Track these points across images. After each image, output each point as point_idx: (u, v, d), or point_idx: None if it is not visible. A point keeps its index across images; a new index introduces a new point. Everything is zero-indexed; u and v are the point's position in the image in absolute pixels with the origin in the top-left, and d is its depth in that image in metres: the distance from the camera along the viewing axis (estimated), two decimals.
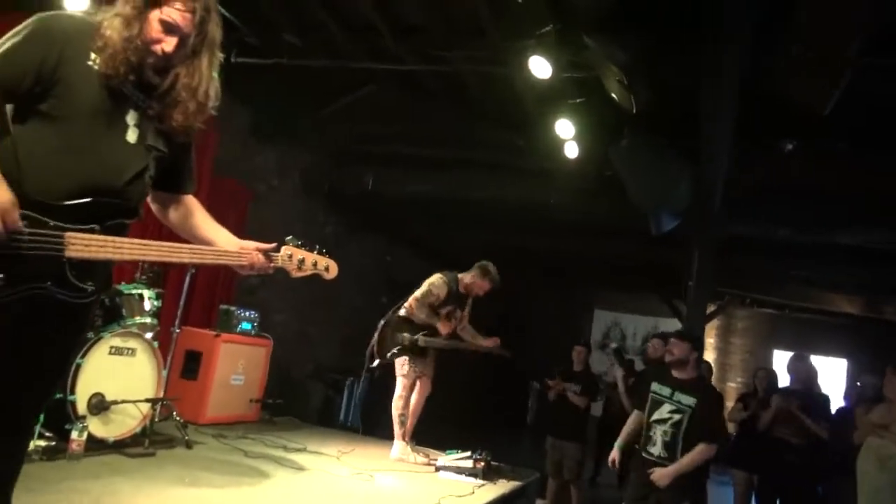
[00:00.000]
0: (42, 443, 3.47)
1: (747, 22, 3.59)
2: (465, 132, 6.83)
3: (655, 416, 3.94)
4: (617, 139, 5.31)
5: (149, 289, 4.33)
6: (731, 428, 6.12)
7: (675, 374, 3.97)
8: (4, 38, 1.76)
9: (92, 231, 1.75)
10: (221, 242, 2.03)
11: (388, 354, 5.19)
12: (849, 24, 3.48)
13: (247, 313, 5.81)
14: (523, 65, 4.79)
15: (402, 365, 5.17)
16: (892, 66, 4.13)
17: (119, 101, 1.85)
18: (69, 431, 3.54)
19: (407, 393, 5.19)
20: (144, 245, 1.90)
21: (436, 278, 5.19)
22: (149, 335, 4.17)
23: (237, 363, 5.53)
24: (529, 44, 4.66)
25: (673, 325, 11.49)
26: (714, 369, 13.66)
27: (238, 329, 5.68)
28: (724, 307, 12.90)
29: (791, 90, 4.16)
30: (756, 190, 6.31)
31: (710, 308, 12.51)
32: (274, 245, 2.08)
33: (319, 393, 8.07)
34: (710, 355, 13.95)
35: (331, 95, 7.11)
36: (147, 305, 4.26)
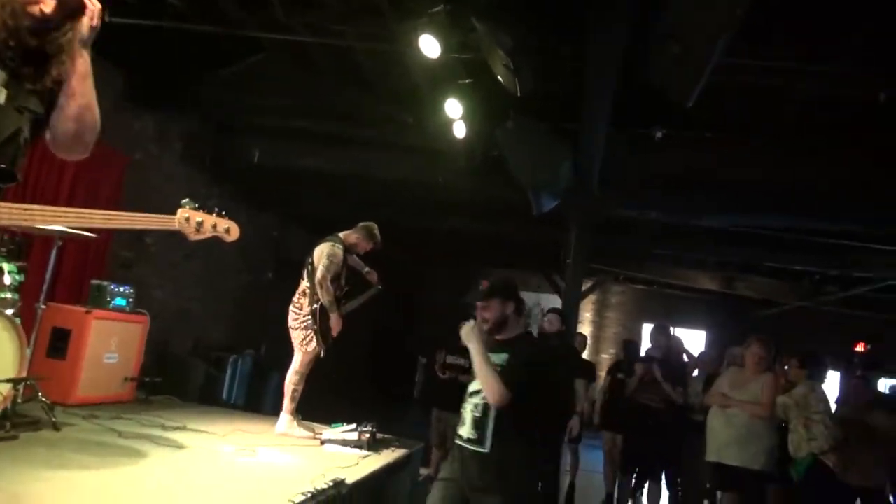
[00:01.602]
0: None
1: (625, 12, 3.82)
2: (357, 108, 6.79)
3: (469, 390, 3.14)
4: (503, 121, 5.49)
5: (8, 262, 4.03)
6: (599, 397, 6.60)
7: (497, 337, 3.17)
8: None
9: None
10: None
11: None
12: (711, 25, 3.79)
13: (121, 289, 5.53)
14: (414, 43, 4.82)
15: (306, 340, 5.10)
16: (752, 63, 4.54)
17: None
18: None
19: (305, 369, 5.16)
20: (21, 209, 1.80)
21: (329, 249, 5.16)
22: (9, 311, 3.88)
23: (110, 341, 5.27)
24: (421, 22, 4.69)
25: (554, 300, 12.10)
26: (589, 342, 14.58)
27: (111, 305, 5.40)
28: (600, 284, 13.73)
29: (661, 81, 4.47)
30: (630, 174, 6.74)
31: (587, 284, 13.30)
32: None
33: (201, 371, 7.84)
34: (586, 329, 14.81)
35: (216, 62, 6.83)
36: (7, 280, 3.96)
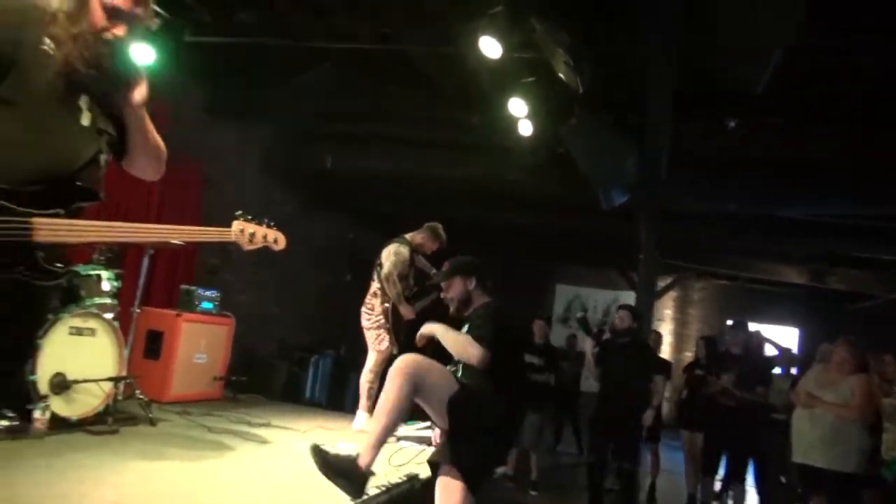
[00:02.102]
0: (5, 423, 3.53)
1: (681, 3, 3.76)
2: (424, 111, 6.93)
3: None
4: (567, 117, 5.47)
5: (107, 269, 4.37)
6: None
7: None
8: None
9: (57, 215, 1.82)
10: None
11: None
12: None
13: (208, 293, 5.87)
14: (475, 45, 4.89)
15: (379, 339, 5.29)
16: (820, 46, 4.35)
17: (73, 86, 1.88)
18: (31, 411, 3.60)
19: (379, 368, 5.33)
20: (108, 227, 1.97)
21: (395, 248, 5.32)
22: (108, 315, 4.22)
23: (199, 342, 5.61)
24: (481, 24, 4.76)
25: (631, 297, 11.86)
26: (671, 339, 14.18)
27: (199, 308, 5.74)
28: (680, 280, 13.34)
29: (727, 70, 4.36)
30: (702, 165, 6.57)
31: (667, 280, 12.96)
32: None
33: (284, 371, 8.18)
34: (667, 326, 14.43)
35: (287, 73, 7.12)
36: (106, 286, 4.30)
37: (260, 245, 2.20)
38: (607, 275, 13.74)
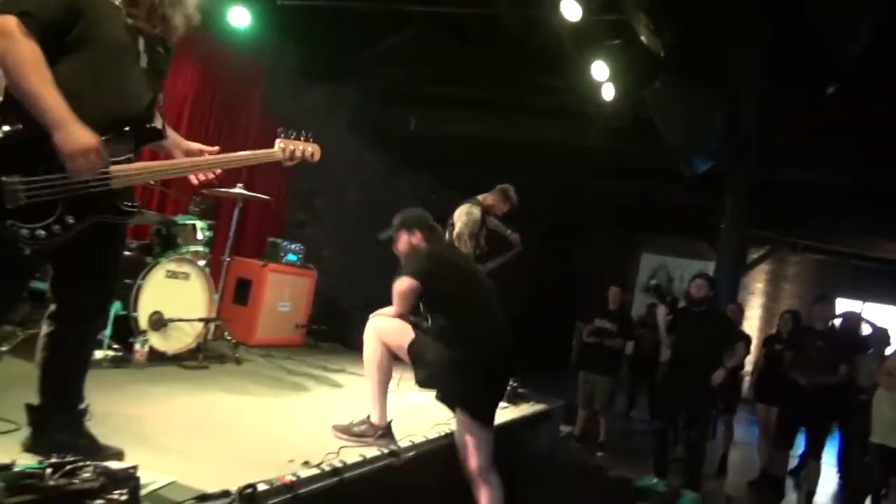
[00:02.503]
0: (111, 353, 3.97)
1: None
2: (506, 74, 6.93)
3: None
4: (650, 80, 5.35)
5: (201, 220, 4.73)
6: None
7: None
8: None
9: (129, 161, 2.06)
10: (180, 152, 2.33)
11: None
12: None
13: (292, 245, 6.22)
14: (556, 6, 4.85)
15: None
16: None
17: (132, 31, 2.08)
18: (133, 344, 4.03)
19: None
20: (170, 164, 2.26)
21: (466, 208, 5.42)
22: (201, 262, 4.59)
23: (283, 291, 5.98)
24: None
25: None
26: (761, 314, 13.63)
27: (284, 260, 6.10)
28: (773, 253, 12.74)
29: (824, 30, 4.13)
30: (801, 132, 6.24)
31: (758, 252, 12.42)
32: (216, 148, 2.42)
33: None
34: (756, 300, 13.88)
35: (375, 36, 7.29)
36: (199, 235, 4.66)
37: (298, 160, 2.40)
38: (695, 245, 13.29)
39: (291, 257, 6.17)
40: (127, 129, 2.05)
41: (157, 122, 2.22)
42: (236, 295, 5.74)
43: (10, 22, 1.78)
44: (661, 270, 14.19)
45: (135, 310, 4.06)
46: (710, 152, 5.81)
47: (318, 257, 7.63)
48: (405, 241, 3.39)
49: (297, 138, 2.42)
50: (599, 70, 5.77)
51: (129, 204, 2.11)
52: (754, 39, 4.42)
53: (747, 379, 8.61)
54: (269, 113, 6.90)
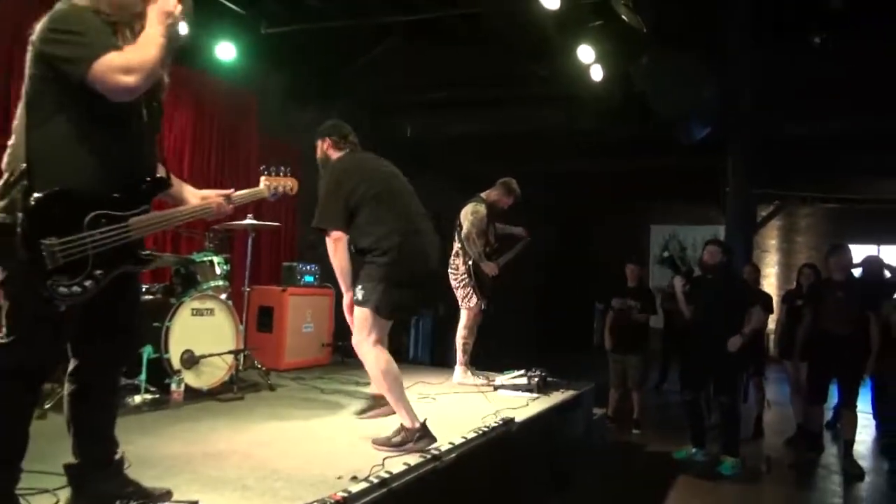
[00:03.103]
0: (148, 396, 4.07)
1: None
2: (492, 70, 7.00)
3: None
4: (637, 56, 5.39)
5: (217, 255, 4.83)
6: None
7: None
8: (62, 36, 1.97)
9: (144, 212, 2.16)
10: (189, 197, 2.42)
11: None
12: None
13: (307, 267, 6.31)
14: None
15: (468, 297, 5.54)
16: None
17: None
18: (169, 385, 4.13)
19: (471, 324, 5.59)
20: (176, 212, 2.39)
21: (472, 208, 5.49)
22: (223, 296, 4.69)
23: (305, 313, 6.07)
24: None
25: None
26: (777, 270, 13.60)
27: (302, 282, 6.20)
28: (783, 208, 12.71)
29: None
30: (789, 87, 6.25)
31: (768, 210, 12.40)
32: (231, 190, 2.52)
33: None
34: (772, 257, 13.87)
35: (359, 50, 7.38)
36: (218, 270, 4.76)
37: (281, 194, 2.59)
38: (704, 210, 13.30)
39: (308, 279, 6.26)
40: (142, 185, 2.16)
41: (162, 172, 2.31)
42: (260, 323, 5.84)
43: (109, 58, 1.95)
44: (672, 240, 14.20)
45: (166, 351, 4.16)
46: (706, 118, 5.85)
47: (333, 274, 7.71)
48: (319, 149, 3.73)
49: (278, 174, 2.54)
50: (585, 53, 5.82)
51: (146, 252, 2.24)
52: (739, 4, 4.44)
53: (772, 337, 8.62)
54: (265, 138, 7.01)
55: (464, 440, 3.49)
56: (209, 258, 4.74)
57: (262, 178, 2.54)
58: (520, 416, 4.24)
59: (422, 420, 3.31)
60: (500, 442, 3.74)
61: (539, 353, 7.82)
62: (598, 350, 13.01)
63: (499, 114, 7.91)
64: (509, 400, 4.85)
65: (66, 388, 2.29)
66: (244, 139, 6.91)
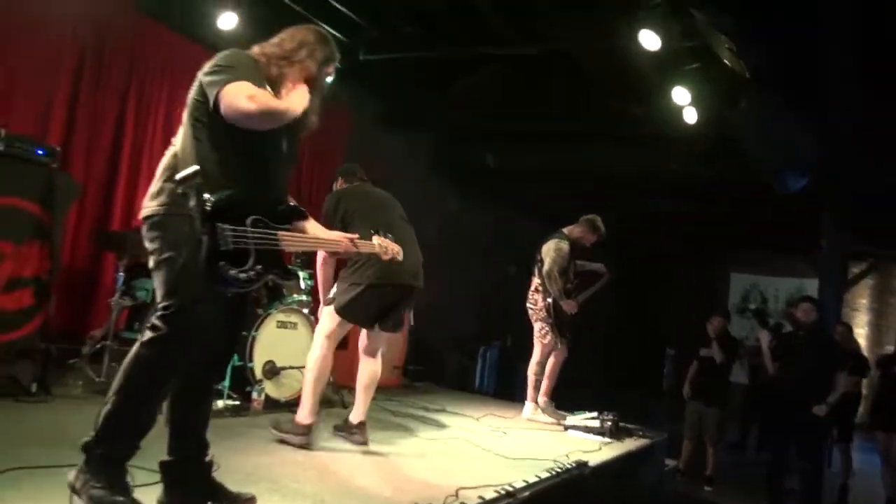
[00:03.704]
0: (230, 402, 4.20)
1: None
2: (581, 105, 6.98)
3: None
4: (734, 101, 5.27)
5: (303, 270, 4.97)
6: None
7: None
8: (227, 62, 2.26)
9: (287, 229, 2.31)
10: (311, 229, 2.58)
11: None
12: None
13: None
14: (633, 38, 4.89)
15: (543, 333, 5.49)
16: None
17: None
18: (250, 393, 4.25)
19: (544, 359, 5.53)
20: (313, 239, 2.59)
21: (555, 244, 5.46)
22: (306, 311, 4.81)
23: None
24: (638, 17, 4.75)
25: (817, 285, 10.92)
26: (867, 332, 12.84)
27: None
28: (877, 266, 12.05)
29: None
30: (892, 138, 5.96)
31: (860, 267, 11.78)
32: (356, 235, 2.76)
33: (455, 361, 8.63)
34: (862, 317, 13.10)
35: (451, 80, 7.51)
36: (303, 285, 4.90)
37: (388, 256, 2.82)
38: (789, 261, 12.74)
39: None
40: (281, 207, 2.39)
41: (292, 201, 2.52)
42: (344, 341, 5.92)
43: (246, 84, 2.19)
44: (753, 290, 13.64)
45: (250, 360, 4.29)
46: (804, 168, 5.64)
47: None
48: (335, 186, 4.17)
49: (385, 236, 2.88)
50: (680, 95, 5.73)
51: (292, 268, 2.40)
52: (843, 52, 4.30)
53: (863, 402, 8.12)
54: (353, 160, 7.20)
55: (538, 479, 3.43)
56: (296, 273, 4.88)
57: (375, 237, 2.81)
58: (593, 459, 4.14)
59: (313, 422, 3.61)
60: (573, 484, 3.66)
61: (606, 394, 7.65)
62: (667, 396, 12.67)
63: (582, 149, 7.87)
64: (581, 442, 4.75)
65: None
66: (333, 158, 7.14)
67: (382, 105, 7.68)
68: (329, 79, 2.61)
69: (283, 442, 3.54)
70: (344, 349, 5.88)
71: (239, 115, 2.17)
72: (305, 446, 3.52)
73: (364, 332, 4.02)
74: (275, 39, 2.49)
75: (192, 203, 2.08)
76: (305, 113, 2.39)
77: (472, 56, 6.72)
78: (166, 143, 5.94)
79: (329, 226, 3.40)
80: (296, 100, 2.29)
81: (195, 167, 2.12)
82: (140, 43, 5.20)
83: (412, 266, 3.83)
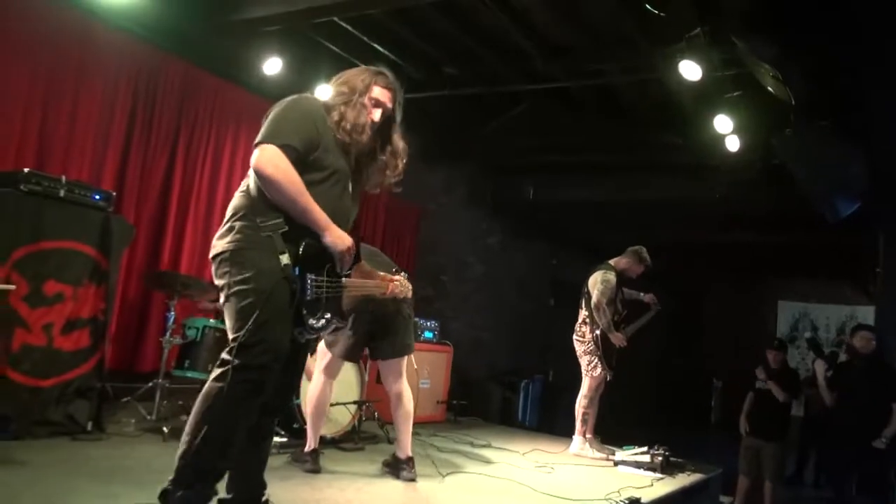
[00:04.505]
0: (278, 439, 4.21)
1: None
2: (620, 136, 6.96)
3: None
4: (780, 128, 5.19)
5: None
6: None
7: None
8: (277, 115, 2.33)
9: (348, 276, 2.35)
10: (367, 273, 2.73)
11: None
12: None
13: (428, 323, 6.41)
14: (674, 69, 4.87)
15: (592, 366, 5.40)
16: None
17: (347, 163, 2.44)
18: (298, 429, 4.26)
19: (592, 393, 5.43)
20: (368, 285, 2.75)
21: (602, 276, 5.40)
22: None
23: (423, 369, 6.13)
24: (679, 47, 4.74)
25: (870, 313, 10.54)
26: None
27: (422, 338, 6.28)
28: None
29: None
30: None
31: None
32: (403, 275, 2.97)
33: (497, 394, 8.53)
34: None
35: (489, 115, 7.59)
36: None
37: (402, 296, 3.05)
38: (839, 288, 12.35)
39: (428, 334, 6.35)
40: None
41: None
42: (380, 377, 5.93)
43: (276, 151, 2.23)
44: (803, 318, 13.24)
45: (298, 398, 4.31)
46: (855, 194, 5.50)
47: (448, 330, 7.79)
48: None
49: (398, 272, 3.07)
50: (722, 123, 5.68)
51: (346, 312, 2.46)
52: (892, 76, 4.22)
53: None
54: (394, 195, 7.29)
55: None
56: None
57: (400, 276, 3.00)
58: (646, 496, 4.03)
59: (315, 448, 3.78)
60: None
61: (653, 427, 7.45)
62: (715, 429, 12.28)
63: (622, 180, 7.83)
64: (631, 478, 4.63)
65: None
66: (375, 195, 7.23)
67: (421, 141, 7.76)
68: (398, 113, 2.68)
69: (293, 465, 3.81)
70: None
71: (257, 171, 2.25)
72: (313, 471, 3.71)
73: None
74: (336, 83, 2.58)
75: (278, 246, 2.16)
76: (362, 161, 2.48)
77: (511, 92, 6.78)
78: (213, 185, 6.10)
79: None
80: (307, 206, 2.27)
81: (281, 217, 2.20)
82: (188, 90, 5.39)
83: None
